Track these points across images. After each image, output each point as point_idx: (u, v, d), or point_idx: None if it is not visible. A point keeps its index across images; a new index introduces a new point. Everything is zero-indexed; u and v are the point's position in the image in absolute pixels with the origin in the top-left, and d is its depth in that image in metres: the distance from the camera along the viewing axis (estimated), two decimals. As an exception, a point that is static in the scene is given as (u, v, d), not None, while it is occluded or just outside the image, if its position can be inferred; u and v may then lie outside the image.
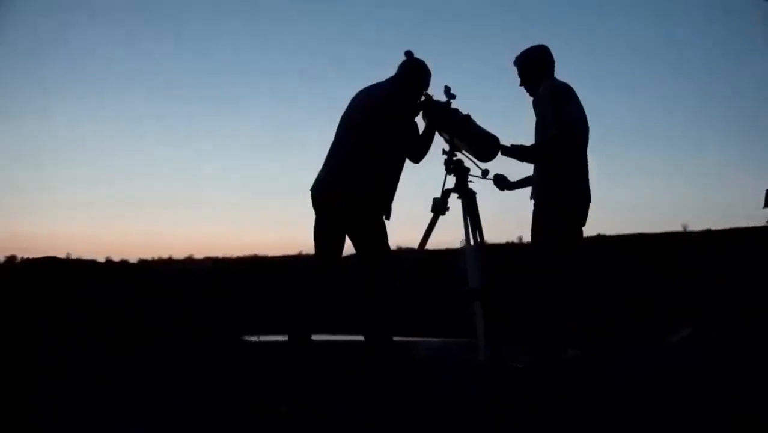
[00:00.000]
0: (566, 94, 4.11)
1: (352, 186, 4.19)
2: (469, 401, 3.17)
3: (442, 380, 3.88)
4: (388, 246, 4.30)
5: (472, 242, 4.24)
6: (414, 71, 4.42)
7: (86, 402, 3.15)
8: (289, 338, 4.30)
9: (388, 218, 4.31)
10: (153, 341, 4.15)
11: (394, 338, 4.30)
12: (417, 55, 4.43)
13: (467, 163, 4.37)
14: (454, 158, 4.38)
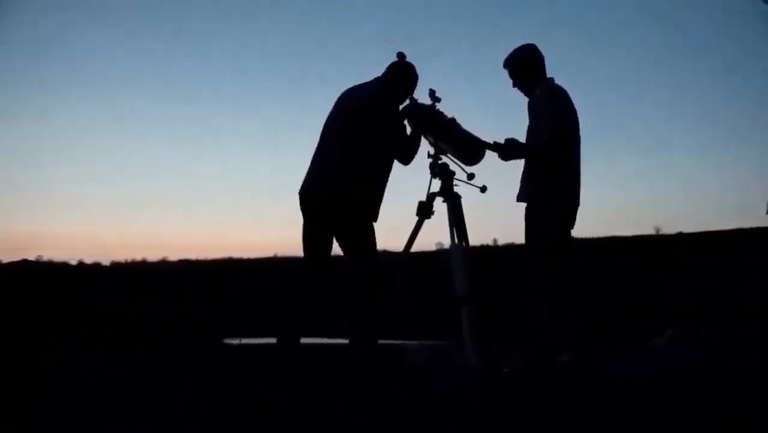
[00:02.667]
0: (563, 99, 4.13)
1: (332, 188, 4.18)
2: (468, 401, 3.19)
3: (441, 380, 3.89)
4: (375, 252, 4.31)
5: (456, 246, 4.26)
6: (401, 72, 4.41)
7: (86, 402, 3.14)
8: (279, 339, 4.29)
9: (375, 219, 4.31)
10: (153, 342, 4.14)
11: (393, 342, 4.30)
12: (414, 55, 4.44)
13: (452, 166, 4.38)
14: (440, 162, 4.38)
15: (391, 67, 4.43)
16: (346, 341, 4.29)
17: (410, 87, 4.44)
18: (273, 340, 4.40)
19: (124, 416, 2.93)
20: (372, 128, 4.21)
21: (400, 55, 4.42)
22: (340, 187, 4.16)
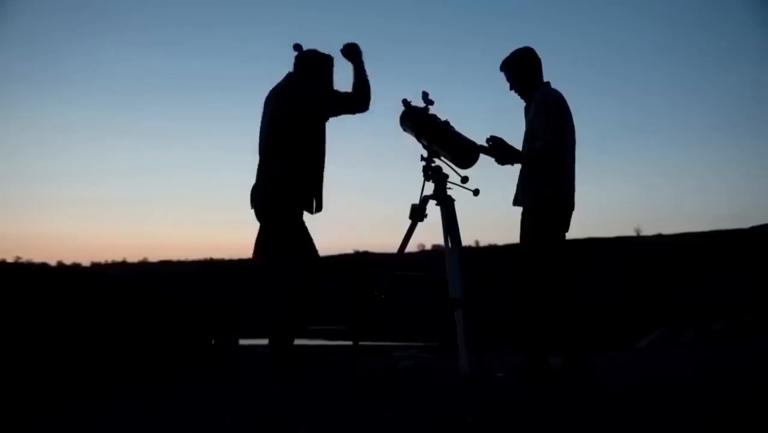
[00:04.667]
0: (560, 104, 4.15)
1: (255, 193, 4.36)
2: (461, 405, 3.22)
3: (434, 384, 3.92)
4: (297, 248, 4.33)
5: (450, 250, 4.25)
6: (305, 60, 4.50)
7: (78, 405, 3.14)
8: (278, 342, 4.28)
9: (318, 209, 4.43)
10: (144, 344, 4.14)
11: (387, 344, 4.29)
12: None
13: (446, 169, 4.38)
14: (433, 165, 4.37)
15: (296, 60, 4.52)
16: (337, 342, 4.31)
17: (322, 66, 4.54)
18: (260, 341, 4.40)
19: (117, 418, 2.93)
20: (297, 121, 4.31)
21: (297, 47, 4.50)
22: (261, 191, 4.34)
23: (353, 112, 4.45)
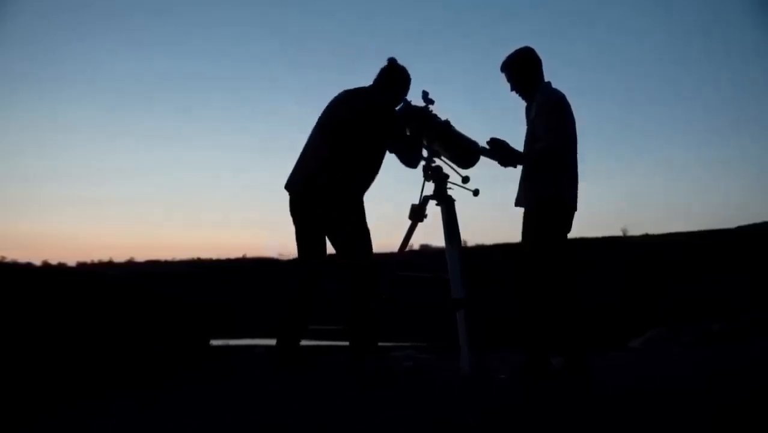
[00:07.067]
0: (562, 104, 4.14)
1: (316, 173, 4.20)
2: (463, 406, 3.21)
3: (435, 385, 3.91)
4: (364, 246, 4.27)
5: (451, 250, 4.24)
6: (394, 74, 4.45)
7: (76, 406, 3.12)
8: (278, 342, 4.26)
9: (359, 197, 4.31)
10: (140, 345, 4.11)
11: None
12: (409, 57, 4.47)
13: (446, 169, 4.37)
14: (433, 164, 4.36)
15: (384, 70, 4.46)
16: (337, 342, 4.29)
17: (404, 88, 4.46)
18: (259, 341, 4.38)
19: (117, 418, 2.92)
20: (365, 129, 4.21)
21: (391, 60, 4.44)
22: (324, 173, 4.17)
23: (401, 153, 4.34)
